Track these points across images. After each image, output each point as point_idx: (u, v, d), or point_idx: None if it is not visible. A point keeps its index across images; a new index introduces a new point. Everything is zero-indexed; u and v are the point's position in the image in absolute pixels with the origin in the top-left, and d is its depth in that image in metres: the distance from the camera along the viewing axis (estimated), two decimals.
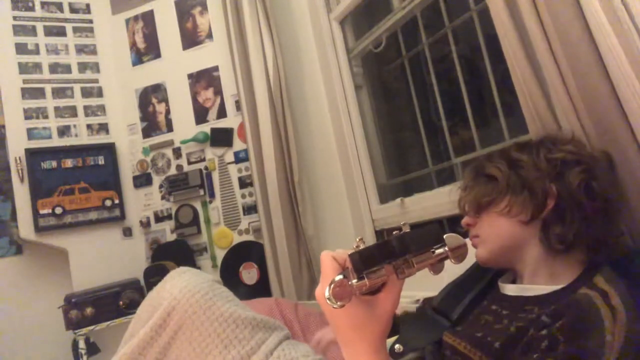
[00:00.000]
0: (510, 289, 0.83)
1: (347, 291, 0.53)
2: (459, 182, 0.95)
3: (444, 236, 0.57)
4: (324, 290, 0.53)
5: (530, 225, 0.79)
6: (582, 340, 0.61)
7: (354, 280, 0.53)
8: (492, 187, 0.84)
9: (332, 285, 0.53)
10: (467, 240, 0.61)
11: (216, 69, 2.20)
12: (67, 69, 2.25)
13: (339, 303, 0.53)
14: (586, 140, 0.87)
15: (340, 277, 0.53)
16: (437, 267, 0.58)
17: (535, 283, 0.79)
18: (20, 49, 2.18)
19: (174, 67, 2.26)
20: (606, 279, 0.70)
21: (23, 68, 2.17)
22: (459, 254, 0.57)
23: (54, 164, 2.12)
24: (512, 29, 1.01)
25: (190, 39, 2.25)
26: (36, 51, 2.20)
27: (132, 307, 1.92)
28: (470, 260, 0.98)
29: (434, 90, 1.66)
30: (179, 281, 0.92)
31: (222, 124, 2.18)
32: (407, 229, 0.57)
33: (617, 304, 0.64)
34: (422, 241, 0.56)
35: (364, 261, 0.53)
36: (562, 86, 0.91)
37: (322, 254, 0.59)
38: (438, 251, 0.56)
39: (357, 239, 0.57)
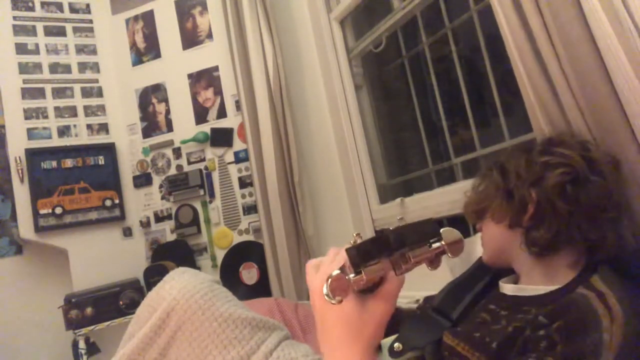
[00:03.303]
0: (508, 289, 0.83)
1: (344, 285, 0.52)
2: (458, 183, 0.96)
3: (441, 230, 0.57)
4: (319, 282, 0.53)
5: (515, 231, 0.81)
6: (580, 340, 0.60)
7: (352, 275, 0.53)
8: (484, 194, 0.87)
9: (329, 280, 0.52)
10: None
11: (216, 69, 2.20)
12: (67, 69, 2.25)
13: (337, 298, 0.52)
14: (591, 138, 0.87)
15: (338, 272, 0.53)
16: (434, 262, 0.57)
17: (532, 284, 0.80)
18: (20, 49, 2.18)
19: (174, 67, 2.26)
20: (603, 280, 0.70)
21: (23, 68, 2.17)
22: (455, 248, 0.56)
23: (54, 164, 2.12)
24: (515, 18, 0.99)
25: (190, 39, 2.25)
26: (36, 51, 2.20)
27: (132, 307, 1.92)
28: (471, 259, 0.98)
29: (434, 90, 1.66)
30: (178, 282, 0.92)
31: (222, 124, 2.18)
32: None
33: (614, 303, 0.64)
34: (419, 235, 0.56)
35: (361, 255, 0.53)
36: (565, 85, 0.91)
37: (330, 251, 0.59)
38: (435, 245, 0.56)
39: (355, 234, 0.57)
